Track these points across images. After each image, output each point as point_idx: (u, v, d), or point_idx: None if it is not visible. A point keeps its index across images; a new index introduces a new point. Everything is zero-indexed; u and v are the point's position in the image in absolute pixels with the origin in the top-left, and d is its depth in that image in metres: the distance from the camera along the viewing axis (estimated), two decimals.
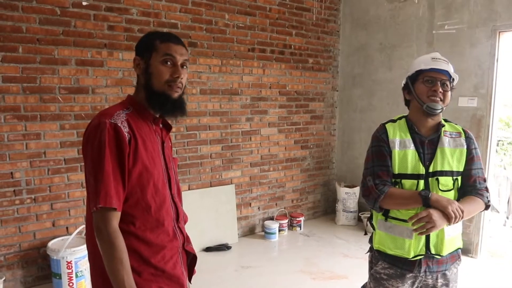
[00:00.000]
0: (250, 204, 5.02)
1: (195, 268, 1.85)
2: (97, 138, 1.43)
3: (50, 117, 3.62)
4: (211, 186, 4.65)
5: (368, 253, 2.20)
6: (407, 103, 2.20)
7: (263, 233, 5.02)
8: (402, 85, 2.16)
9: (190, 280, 1.80)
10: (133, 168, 1.47)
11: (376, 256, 2.08)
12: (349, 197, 5.37)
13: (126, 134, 1.46)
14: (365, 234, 2.79)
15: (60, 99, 3.65)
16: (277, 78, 5.07)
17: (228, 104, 4.66)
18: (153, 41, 1.57)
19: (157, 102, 1.56)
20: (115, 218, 1.42)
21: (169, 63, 1.55)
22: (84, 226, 3.73)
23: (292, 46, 5.17)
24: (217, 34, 4.51)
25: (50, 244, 3.53)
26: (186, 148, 4.43)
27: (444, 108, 1.99)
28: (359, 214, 5.38)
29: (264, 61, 4.92)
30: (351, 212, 5.39)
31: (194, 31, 4.33)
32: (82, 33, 3.70)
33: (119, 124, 1.46)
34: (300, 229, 5.22)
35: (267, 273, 4.05)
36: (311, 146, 5.56)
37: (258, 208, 5.11)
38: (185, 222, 1.76)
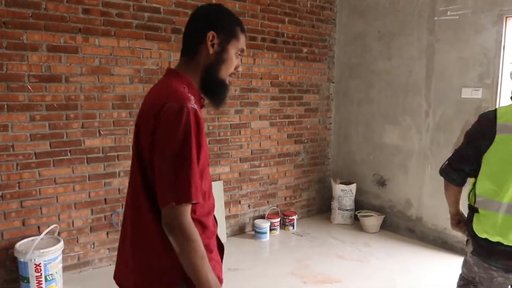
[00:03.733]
0: (239, 201, 4.74)
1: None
2: (182, 125, 1.27)
3: (19, 108, 3.33)
4: None
5: None
6: None
7: (253, 232, 4.73)
8: None
9: None
10: (201, 154, 1.34)
11: None
12: (345, 194, 5.08)
13: (203, 122, 1.34)
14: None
15: (29, 88, 3.35)
16: (269, 68, 4.77)
17: None
18: (234, 27, 1.47)
19: (215, 89, 1.49)
20: (189, 211, 1.31)
21: (238, 55, 1.51)
22: (56, 225, 3.49)
23: (285, 35, 4.87)
24: None
25: (17, 245, 3.25)
26: None
27: None
28: (356, 213, 5.09)
29: (254, 49, 4.62)
30: (347, 210, 5.11)
31: (178, 16, 4.03)
32: (54, 17, 3.40)
33: (197, 110, 1.32)
34: (293, 228, 4.94)
35: (255, 276, 3.77)
36: (305, 141, 5.27)
37: (248, 206, 4.82)
38: None
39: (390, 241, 4.66)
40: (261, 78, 4.72)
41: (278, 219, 4.84)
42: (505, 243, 1.81)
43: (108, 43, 3.68)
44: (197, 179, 1.29)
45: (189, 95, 1.35)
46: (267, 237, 4.64)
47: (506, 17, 3.87)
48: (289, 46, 4.93)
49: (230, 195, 4.64)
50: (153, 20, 3.90)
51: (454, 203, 2.16)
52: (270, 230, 4.74)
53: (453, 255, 4.25)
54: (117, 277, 1.56)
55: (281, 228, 4.93)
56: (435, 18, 4.37)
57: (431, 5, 4.38)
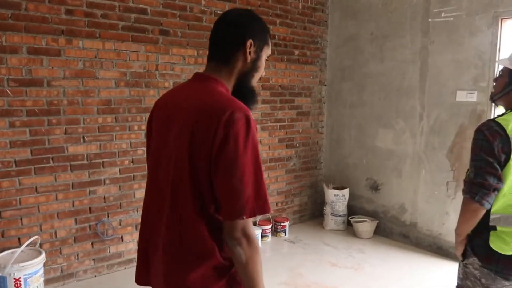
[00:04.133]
0: None
1: None
2: (250, 137, 1.25)
3: None
4: None
5: None
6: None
7: None
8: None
9: None
10: None
11: None
12: (338, 199, 4.98)
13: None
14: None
15: (9, 92, 3.19)
16: None
17: None
18: (266, 34, 1.46)
19: (248, 95, 1.45)
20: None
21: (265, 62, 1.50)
22: (37, 237, 3.33)
23: (276, 37, 4.76)
24: (192, 22, 4.07)
25: None
26: None
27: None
28: (349, 218, 4.99)
29: None
30: (340, 216, 5.00)
31: (166, 17, 3.90)
32: (35, 18, 3.24)
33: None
34: (285, 235, 4.82)
35: None
36: (297, 145, 5.15)
37: None
38: None
39: (384, 247, 4.57)
40: None
41: (270, 226, 4.72)
42: None
43: (93, 45, 3.53)
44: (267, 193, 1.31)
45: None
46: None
47: (502, 19, 3.80)
48: (281, 48, 4.81)
49: None
50: (140, 22, 3.76)
51: (470, 229, 1.93)
52: (262, 237, 4.62)
53: (448, 261, 4.17)
54: (144, 282, 1.54)
55: (272, 234, 4.81)
56: (429, 20, 4.28)
57: (425, 6, 4.30)
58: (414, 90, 4.48)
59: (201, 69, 4.05)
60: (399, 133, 4.65)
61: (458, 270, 2.06)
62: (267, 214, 4.82)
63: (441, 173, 4.28)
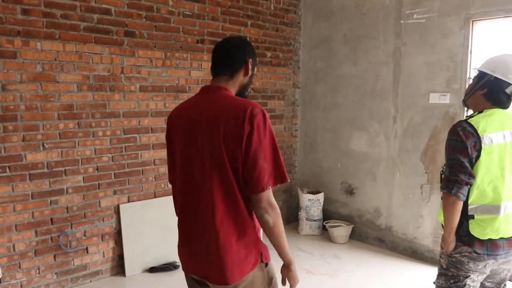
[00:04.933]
0: None
1: None
2: (268, 125, 1.63)
3: None
4: (155, 197, 4.06)
5: None
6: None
7: None
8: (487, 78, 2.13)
9: None
10: None
11: None
12: (312, 204, 4.89)
13: None
14: None
15: None
16: None
17: (174, 102, 4.08)
18: (256, 56, 1.85)
19: None
20: None
21: None
22: None
23: (248, 38, 4.65)
24: (159, 23, 3.92)
25: None
26: (124, 154, 3.82)
27: None
28: (324, 223, 4.90)
29: None
30: (315, 220, 4.91)
31: (131, 18, 3.74)
32: None
33: None
34: None
35: None
36: None
37: None
38: None
39: (359, 252, 4.49)
40: None
41: None
42: (506, 237, 2.09)
43: (52, 47, 3.34)
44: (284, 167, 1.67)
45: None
46: None
47: (473, 21, 3.77)
48: None
49: None
50: (104, 22, 3.58)
51: (456, 222, 2.12)
52: None
53: (424, 265, 4.12)
54: (193, 270, 1.81)
55: None
56: (401, 22, 4.24)
57: (397, 8, 4.25)
58: (387, 92, 4.43)
59: (169, 71, 3.91)
60: (373, 136, 4.60)
61: (441, 261, 2.25)
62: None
63: (415, 176, 4.24)
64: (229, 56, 1.78)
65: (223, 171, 1.63)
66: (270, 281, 1.79)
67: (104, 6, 3.57)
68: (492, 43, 3.73)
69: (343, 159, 4.93)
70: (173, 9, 4.00)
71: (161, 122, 4.01)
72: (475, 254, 2.08)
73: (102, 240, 3.76)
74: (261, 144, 1.60)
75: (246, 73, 1.79)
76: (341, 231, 4.68)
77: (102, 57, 3.61)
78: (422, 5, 4.05)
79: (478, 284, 2.18)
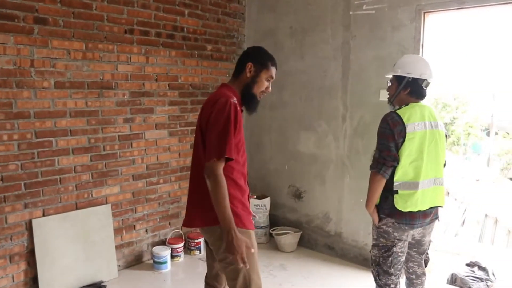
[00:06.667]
0: (134, 226, 3.99)
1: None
2: (226, 111, 2.06)
3: None
4: (77, 209, 3.55)
5: None
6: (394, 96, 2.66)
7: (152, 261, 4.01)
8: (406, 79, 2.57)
9: None
10: (237, 136, 2.09)
11: None
12: (258, 210, 4.52)
13: (240, 112, 2.14)
14: None
15: None
16: (166, 68, 4.07)
17: (98, 101, 3.59)
18: (267, 61, 2.29)
19: (250, 100, 2.28)
20: (222, 167, 2.05)
21: (268, 80, 2.30)
22: None
23: (185, 29, 4.20)
24: (78, 9, 3.41)
25: None
26: (37, 161, 3.29)
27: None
28: (270, 231, 4.55)
29: (147, 46, 3.89)
30: (261, 228, 4.55)
31: (42, 3, 3.20)
32: None
33: (237, 104, 2.13)
34: (200, 252, 4.27)
35: None
36: None
37: (146, 230, 4.09)
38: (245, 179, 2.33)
39: (308, 261, 4.18)
40: (156, 80, 4.00)
41: (181, 244, 4.16)
42: (422, 209, 2.54)
43: None
44: (232, 145, 2.04)
45: (233, 95, 2.17)
46: (167, 267, 3.94)
47: (424, 12, 3.51)
48: (190, 42, 4.26)
49: (122, 219, 3.88)
50: (7, 7, 3.03)
51: (377, 197, 2.56)
52: (172, 257, 4.06)
53: None
54: (186, 221, 2.33)
55: (186, 253, 4.26)
56: (350, 13, 3.93)
57: None
58: (336, 89, 4.12)
59: (91, 65, 3.40)
60: (322, 136, 4.28)
61: (372, 233, 2.69)
62: (185, 228, 4.27)
63: (366, 178, 3.86)
64: (238, 60, 2.32)
65: (202, 145, 2.17)
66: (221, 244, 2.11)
67: None
68: (444, 37, 3.48)
69: (290, 161, 4.59)
70: None
71: (82, 123, 3.51)
72: (396, 224, 2.53)
73: (10, 262, 3.21)
74: (215, 124, 2.05)
75: (247, 74, 2.25)
76: (288, 238, 4.35)
77: (6, 48, 3.05)
78: None
79: (405, 251, 2.64)
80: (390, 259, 2.59)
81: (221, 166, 2.03)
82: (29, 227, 3.28)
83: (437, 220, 2.71)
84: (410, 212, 2.49)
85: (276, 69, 2.32)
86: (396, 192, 2.50)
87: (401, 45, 3.62)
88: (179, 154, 4.27)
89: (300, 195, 4.53)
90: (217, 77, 4.56)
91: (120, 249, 3.88)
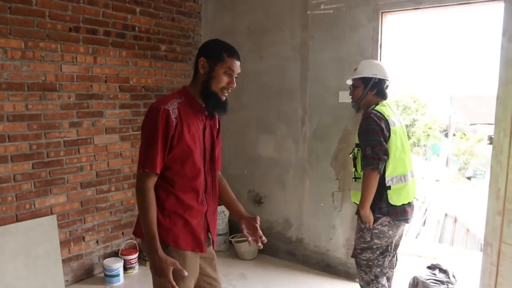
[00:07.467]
0: (83, 238, 3.73)
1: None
2: (153, 119, 1.81)
3: None
4: (17, 221, 3.27)
5: None
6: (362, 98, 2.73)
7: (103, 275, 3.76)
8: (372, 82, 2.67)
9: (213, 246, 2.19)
10: (177, 146, 1.86)
11: None
12: (217, 217, 4.34)
13: (174, 120, 1.83)
14: None
15: None
16: (116, 69, 3.84)
17: (40, 103, 3.33)
18: (221, 53, 1.91)
19: (209, 99, 1.94)
20: (152, 180, 1.86)
21: (228, 74, 1.92)
22: None
23: (137, 28, 3.98)
24: (16, 4, 3.14)
25: None
26: None
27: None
28: (230, 238, 4.38)
29: (95, 45, 3.65)
30: (220, 235, 4.38)
31: None
32: None
33: (170, 111, 1.83)
34: None
35: None
36: None
37: (97, 241, 3.84)
38: (215, 196, 2.11)
39: (269, 269, 4.04)
40: (105, 82, 3.76)
41: (136, 255, 3.93)
42: (410, 201, 2.64)
43: None
44: (157, 157, 1.82)
45: (174, 99, 1.90)
46: (120, 280, 3.70)
47: (382, 13, 3.45)
48: (143, 42, 4.04)
49: (70, 231, 3.62)
50: None
51: (373, 194, 2.54)
52: (126, 269, 3.83)
53: (338, 280, 3.78)
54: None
55: (140, 264, 4.02)
56: (308, 12, 3.83)
57: None
58: (295, 91, 4.01)
59: (31, 65, 3.15)
60: (281, 140, 4.16)
61: (360, 236, 2.66)
62: (134, 240, 4.04)
63: (326, 183, 3.86)
64: (195, 59, 2.01)
65: None
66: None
67: None
68: (402, 38, 3.44)
69: (250, 166, 4.44)
70: None
71: (22, 128, 3.24)
72: (392, 222, 2.57)
73: None
74: (142, 133, 1.89)
75: (200, 71, 1.93)
76: (248, 246, 4.19)
77: None
78: None
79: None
80: (386, 259, 2.64)
81: (148, 179, 1.83)
82: None
83: None
84: (402, 205, 2.58)
85: (237, 60, 1.92)
86: (389, 187, 2.55)
87: (360, 46, 3.55)
88: (132, 160, 4.04)
89: (260, 200, 4.39)
90: (172, 78, 4.36)
91: (67, 263, 3.62)
